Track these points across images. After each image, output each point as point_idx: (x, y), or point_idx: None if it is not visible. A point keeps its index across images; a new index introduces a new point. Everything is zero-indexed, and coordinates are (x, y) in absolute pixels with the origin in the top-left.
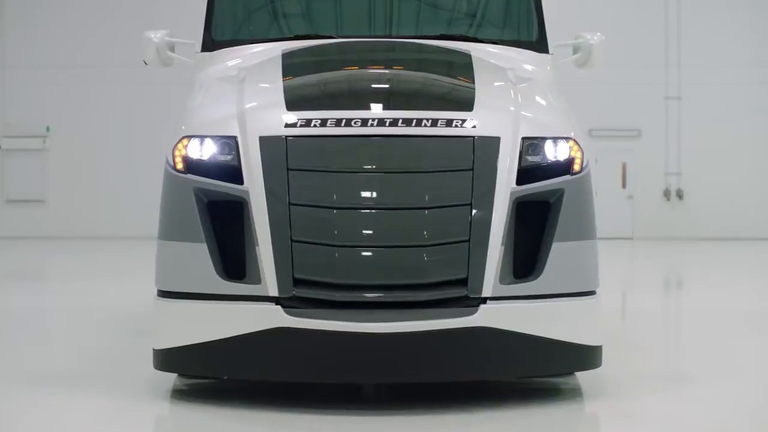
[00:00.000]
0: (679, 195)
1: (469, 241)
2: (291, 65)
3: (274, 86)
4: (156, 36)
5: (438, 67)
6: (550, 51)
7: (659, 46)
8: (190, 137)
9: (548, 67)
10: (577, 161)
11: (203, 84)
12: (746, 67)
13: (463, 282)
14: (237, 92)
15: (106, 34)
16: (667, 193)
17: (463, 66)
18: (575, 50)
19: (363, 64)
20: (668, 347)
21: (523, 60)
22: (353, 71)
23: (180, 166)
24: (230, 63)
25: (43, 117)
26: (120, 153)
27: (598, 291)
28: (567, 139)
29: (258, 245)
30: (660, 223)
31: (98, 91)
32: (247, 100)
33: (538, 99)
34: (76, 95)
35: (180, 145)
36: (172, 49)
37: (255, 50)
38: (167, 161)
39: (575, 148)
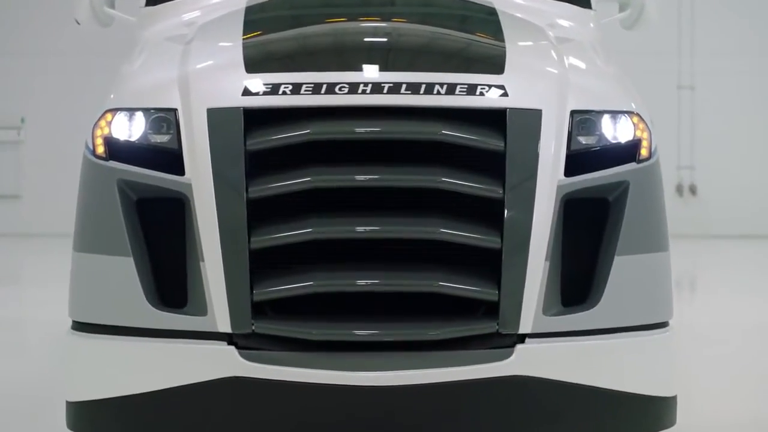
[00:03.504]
0: (692, 190)
1: (500, 253)
2: (256, 20)
3: (231, 45)
4: None
5: (453, 22)
6: (592, 6)
7: (671, 31)
8: (114, 111)
9: (591, 25)
10: (645, 144)
11: (145, 45)
12: (764, 56)
13: (492, 312)
14: (181, 53)
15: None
16: (679, 188)
17: (487, 21)
18: (622, 7)
19: (352, 17)
20: (735, 380)
21: (560, 15)
22: (338, 24)
23: (101, 150)
24: (181, 18)
25: (18, 107)
26: None
27: (671, 322)
28: (629, 113)
29: (203, 260)
30: (672, 219)
31: (77, 81)
32: (192, 61)
33: (586, 63)
34: (53, 84)
35: (102, 122)
36: (111, 4)
37: (212, 2)
38: (86, 144)
39: (641, 126)
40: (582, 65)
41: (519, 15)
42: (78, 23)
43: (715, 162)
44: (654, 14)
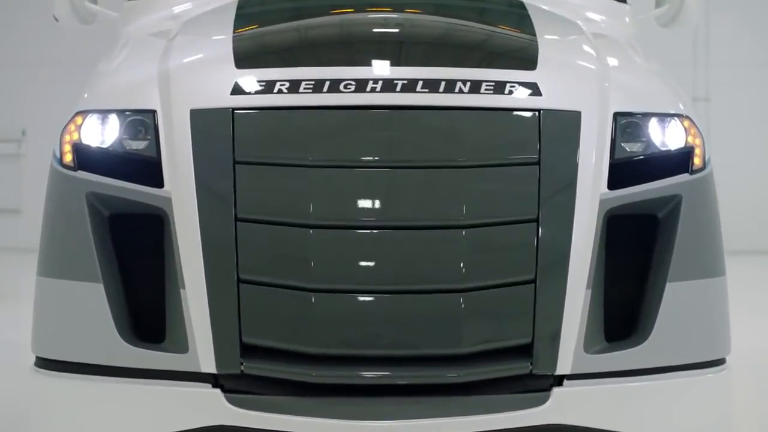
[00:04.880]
0: None
1: (534, 281)
2: (250, 14)
3: (220, 39)
4: None
5: (474, 14)
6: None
7: (686, 42)
8: (85, 113)
9: (627, 20)
10: (698, 152)
11: (127, 41)
12: None
13: (525, 350)
14: (163, 49)
15: (87, 28)
16: None
17: (514, 13)
18: (659, 3)
19: (359, 8)
20: None
21: (593, 9)
22: (344, 15)
23: (68, 158)
24: (167, 12)
25: (19, 119)
26: None
27: (728, 359)
28: (679, 116)
29: (184, 288)
30: None
31: (79, 91)
32: (175, 57)
33: (626, 60)
34: (54, 96)
35: (71, 126)
36: None
37: None
38: (53, 153)
39: (693, 130)
40: (623, 62)
41: (549, 8)
42: (56, 20)
43: (731, 177)
44: (694, 12)
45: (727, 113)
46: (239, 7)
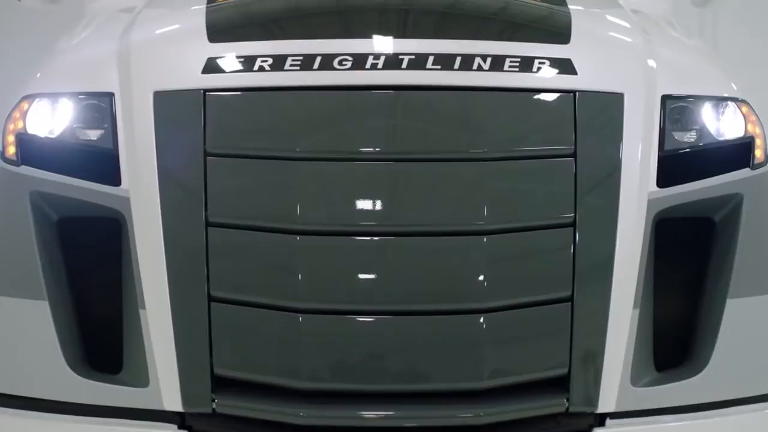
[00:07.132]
0: None
1: (571, 299)
2: None
3: (191, 10)
4: None
5: None
6: None
7: None
8: (32, 98)
9: None
10: (759, 143)
11: (93, 17)
12: None
13: (560, 384)
14: (126, 24)
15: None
16: None
17: None
18: None
19: None
20: None
21: None
22: None
23: (11, 151)
24: None
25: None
26: None
27: None
28: (736, 101)
29: (144, 307)
30: None
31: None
32: (138, 31)
33: (669, 36)
34: None
35: (16, 114)
36: None
37: None
38: None
39: (752, 117)
40: (666, 39)
41: None
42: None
43: None
44: None
45: None
46: None
